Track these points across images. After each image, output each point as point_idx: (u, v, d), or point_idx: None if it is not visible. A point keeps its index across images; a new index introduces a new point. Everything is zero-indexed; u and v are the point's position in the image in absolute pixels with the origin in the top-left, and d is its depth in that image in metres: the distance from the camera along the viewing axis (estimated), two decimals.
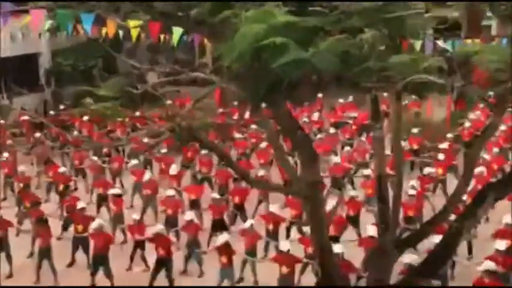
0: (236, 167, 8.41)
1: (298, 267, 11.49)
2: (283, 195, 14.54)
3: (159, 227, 12.63)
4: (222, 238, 11.99)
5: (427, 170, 15.93)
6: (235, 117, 23.11)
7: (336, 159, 17.02)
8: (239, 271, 12.38)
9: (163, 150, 17.95)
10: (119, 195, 14.92)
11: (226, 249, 11.74)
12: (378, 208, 8.47)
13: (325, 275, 8.41)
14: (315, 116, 22.15)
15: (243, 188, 15.14)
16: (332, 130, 20.01)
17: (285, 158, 8.42)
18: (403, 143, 15.26)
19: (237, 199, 15.04)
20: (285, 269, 11.06)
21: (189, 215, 13.36)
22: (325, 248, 8.41)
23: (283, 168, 16.03)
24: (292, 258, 11.20)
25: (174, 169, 16.72)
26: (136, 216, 13.58)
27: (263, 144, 18.59)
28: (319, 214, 8.11)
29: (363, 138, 19.21)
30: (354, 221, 13.71)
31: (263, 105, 8.08)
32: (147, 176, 16.19)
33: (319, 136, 19.56)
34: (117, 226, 14.53)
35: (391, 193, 8.71)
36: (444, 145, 17.46)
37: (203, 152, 17.48)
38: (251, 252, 12.42)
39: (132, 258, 13.36)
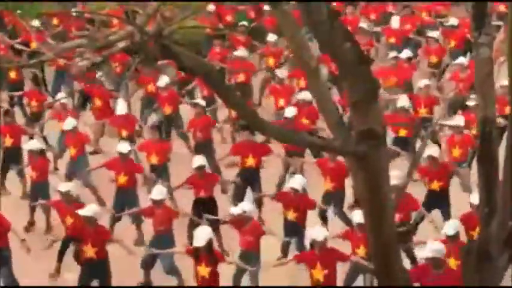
0: (242, 104, 7.45)
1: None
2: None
3: (92, 209, 11.72)
4: (201, 233, 10.94)
5: None
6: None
7: (402, 99, 15.75)
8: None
9: (99, 74, 16.67)
10: (40, 152, 13.84)
11: (206, 254, 10.80)
12: (479, 176, 7.70)
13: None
14: (395, 20, 19.90)
15: (257, 143, 14.01)
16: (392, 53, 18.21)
17: (324, 88, 7.77)
18: None
19: (250, 161, 13.96)
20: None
21: (158, 191, 12.24)
22: (388, 245, 7.68)
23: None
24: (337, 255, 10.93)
25: (122, 107, 15.49)
26: (66, 187, 12.46)
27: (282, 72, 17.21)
28: (381, 186, 7.34)
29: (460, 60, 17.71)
30: (441, 198, 13.17)
31: None
32: (69, 122, 14.95)
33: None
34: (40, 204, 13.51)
35: None
36: None
37: (162, 81, 16.33)
38: (248, 254, 11.63)
39: (60, 258, 12.01)
